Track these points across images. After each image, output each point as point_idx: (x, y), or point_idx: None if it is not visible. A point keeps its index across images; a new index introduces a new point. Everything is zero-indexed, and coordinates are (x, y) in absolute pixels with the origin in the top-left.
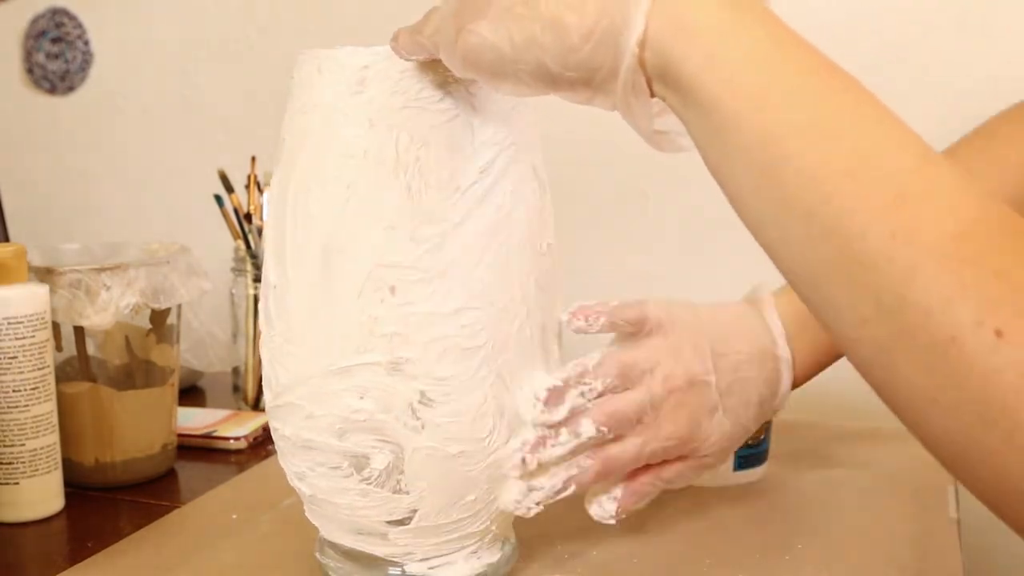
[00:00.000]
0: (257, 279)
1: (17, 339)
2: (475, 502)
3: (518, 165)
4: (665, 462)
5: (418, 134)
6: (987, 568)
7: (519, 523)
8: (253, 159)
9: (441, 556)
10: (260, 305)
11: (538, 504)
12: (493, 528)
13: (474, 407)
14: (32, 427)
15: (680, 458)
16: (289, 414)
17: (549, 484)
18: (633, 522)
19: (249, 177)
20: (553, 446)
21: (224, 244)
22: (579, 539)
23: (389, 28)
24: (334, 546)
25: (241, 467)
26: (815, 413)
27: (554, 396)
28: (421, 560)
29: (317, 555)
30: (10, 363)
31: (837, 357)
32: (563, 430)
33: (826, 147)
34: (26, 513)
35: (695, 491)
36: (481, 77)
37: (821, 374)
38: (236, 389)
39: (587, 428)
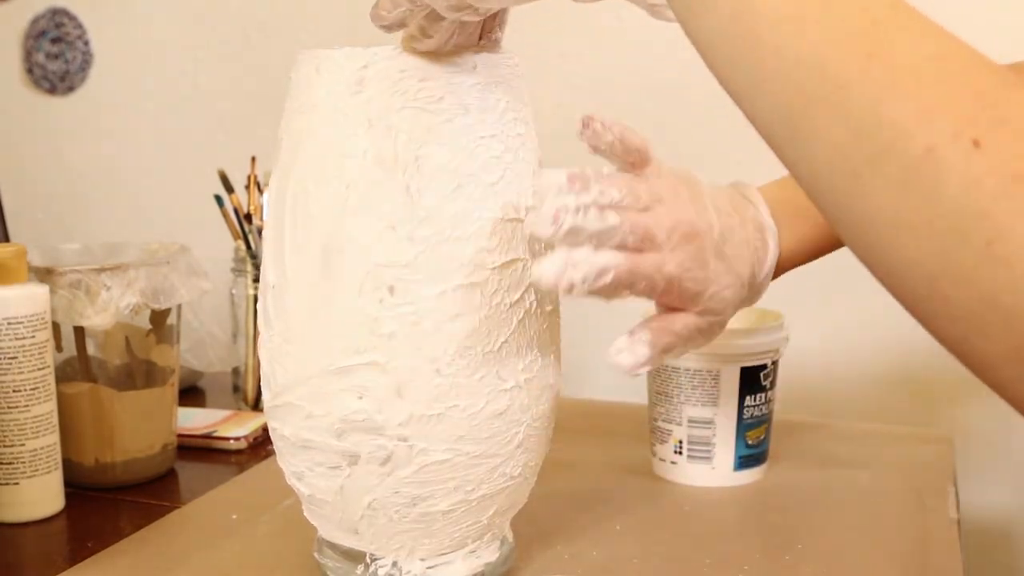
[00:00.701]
0: (257, 279)
1: (17, 339)
2: (474, 501)
3: (517, 164)
4: (673, 311)
5: (417, 134)
6: (987, 568)
7: (518, 523)
8: (253, 159)
9: (439, 555)
10: (259, 305)
11: (583, 281)
12: (491, 527)
13: (473, 407)
14: (32, 427)
15: (686, 310)
16: (288, 414)
17: (589, 261)
18: (633, 522)
19: (249, 177)
20: (585, 217)
21: (224, 244)
22: (579, 539)
23: None
24: (333, 546)
25: (241, 467)
26: (815, 413)
27: (577, 181)
28: (420, 559)
29: (316, 555)
30: (10, 363)
31: (818, 249)
32: (592, 209)
33: None
34: (26, 513)
35: (695, 491)
36: None
37: (821, 374)
38: (236, 389)
39: (612, 219)
